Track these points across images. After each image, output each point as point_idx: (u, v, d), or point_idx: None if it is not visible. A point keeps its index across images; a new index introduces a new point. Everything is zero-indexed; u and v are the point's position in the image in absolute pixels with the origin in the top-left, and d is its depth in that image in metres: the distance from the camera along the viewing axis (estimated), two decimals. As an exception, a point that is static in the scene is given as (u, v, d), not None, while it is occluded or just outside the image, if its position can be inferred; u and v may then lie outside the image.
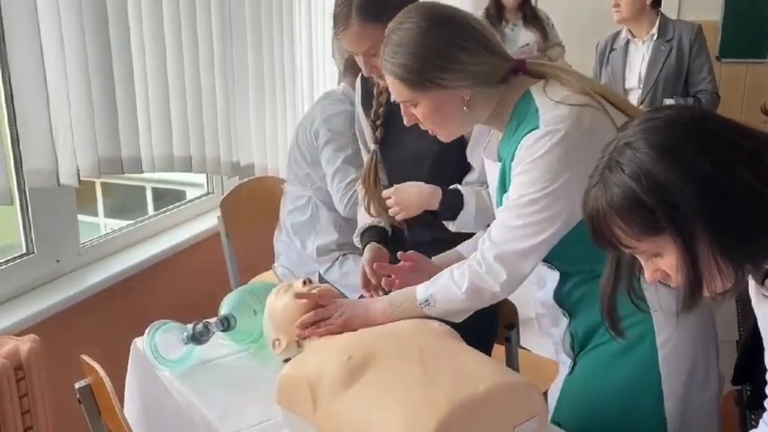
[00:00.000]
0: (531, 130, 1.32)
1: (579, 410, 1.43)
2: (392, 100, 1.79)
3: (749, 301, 1.13)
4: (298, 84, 3.10)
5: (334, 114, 2.37)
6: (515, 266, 1.37)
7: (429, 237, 1.81)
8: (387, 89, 1.72)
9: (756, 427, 1.19)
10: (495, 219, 1.46)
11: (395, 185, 1.78)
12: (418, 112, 1.41)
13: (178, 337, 1.62)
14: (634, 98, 3.48)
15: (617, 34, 3.62)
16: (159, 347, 1.60)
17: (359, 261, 2.52)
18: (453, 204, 1.72)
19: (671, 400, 1.41)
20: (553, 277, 1.53)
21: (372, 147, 1.84)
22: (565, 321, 1.56)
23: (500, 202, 1.45)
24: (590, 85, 1.38)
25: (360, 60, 1.71)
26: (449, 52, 1.34)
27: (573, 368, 1.55)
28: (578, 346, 1.54)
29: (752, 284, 1.11)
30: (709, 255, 0.97)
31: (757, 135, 1.00)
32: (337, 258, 2.49)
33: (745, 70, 4.81)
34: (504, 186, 1.42)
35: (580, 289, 1.50)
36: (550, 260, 1.47)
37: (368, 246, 1.83)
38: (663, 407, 1.41)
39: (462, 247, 1.70)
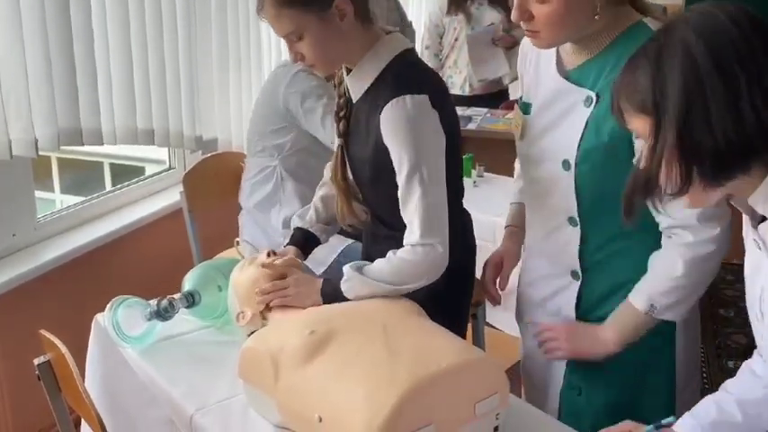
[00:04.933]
0: None
1: (593, 374, 1.44)
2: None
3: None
4: (264, 57, 3.05)
5: (293, 76, 2.35)
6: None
7: (384, 231, 1.67)
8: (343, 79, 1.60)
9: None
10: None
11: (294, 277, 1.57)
12: (546, 7, 1.31)
13: (140, 312, 1.58)
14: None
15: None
16: (121, 324, 1.56)
17: None
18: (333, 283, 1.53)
19: (680, 357, 1.46)
20: (574, 232, 1.45)
21: (337, 141, 1.65)
22: (572, 282, 1.49)
23: (588, 144, 1.36)
24: None
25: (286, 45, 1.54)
26: None
27: None
28: (587, 305, 1.49)
29: (746, 227, 1.11)
30: (668, 150, 0.99)
31: None
32: None
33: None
34: (599, 125, 1.35)
35: (608, 248, 1.44)
36: (577, 216, 1.43)
37: (288, 246, 1.73)
38: (675, 365, 1.46)
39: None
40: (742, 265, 1.15)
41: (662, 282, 1.35)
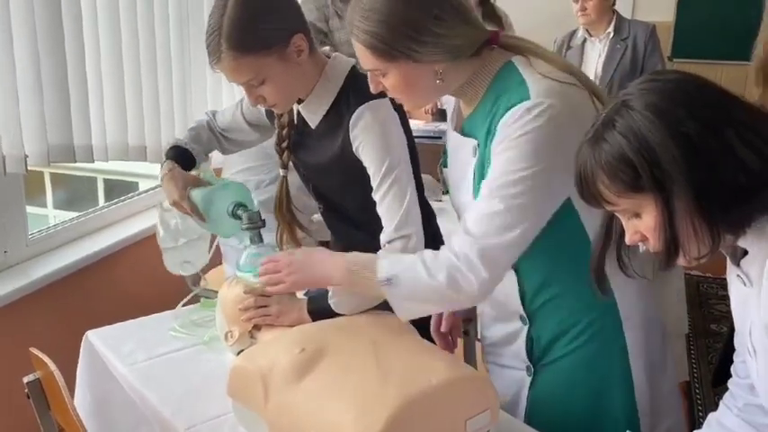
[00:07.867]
0: (518, 102, 1.25)
1: (551, 415, 1.40)
2: (293, 120, 1.66)
3: (698, 296, 1.15)
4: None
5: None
6: (497, 263, 1.26)
7: (360, 236, 1.66)
8: (289, 111, 1.64)
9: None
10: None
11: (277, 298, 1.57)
12: (386, 82, 1.34)
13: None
14: (590, 96, 3.53)
15: (574, 32, 3.67)
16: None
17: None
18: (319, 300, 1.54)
19: (640, 388, 1.40)
20: (511, 277, 1.42)
21: (281, 172, 1.70)
22: (519, 325, 1.47)
23: (477, 190, 1.33)
24: (570, 66, 1.35)
25: (244, 90, 1.54)
26: (423, 24, 1.26)
27: (534, 376, 1.47)
28: (539, 351, 1.46)
29: (729, 265, 1.11)
30: (687, 216, 0.97)
31: (756, 110, 1.01)
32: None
33: (694, 71, 4.93)
34: (482, 171, 1.33)
35: (546, 292, 1.42)
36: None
37: (166, 163, 1.72)
38: (634, 397, 1.40)
39: None
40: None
41: (417, 274, 1.30)
